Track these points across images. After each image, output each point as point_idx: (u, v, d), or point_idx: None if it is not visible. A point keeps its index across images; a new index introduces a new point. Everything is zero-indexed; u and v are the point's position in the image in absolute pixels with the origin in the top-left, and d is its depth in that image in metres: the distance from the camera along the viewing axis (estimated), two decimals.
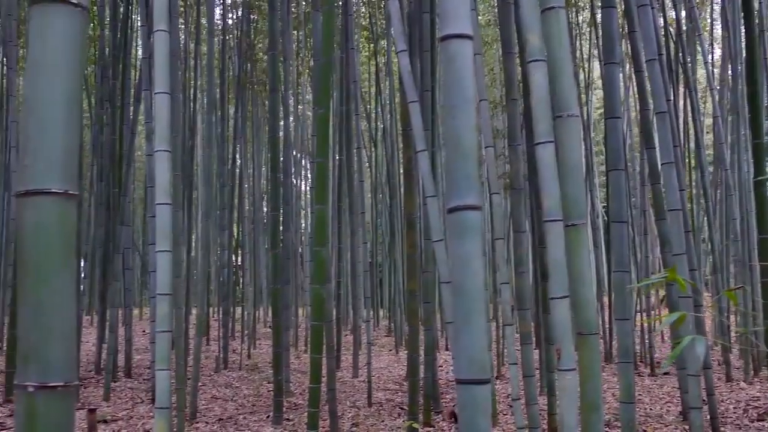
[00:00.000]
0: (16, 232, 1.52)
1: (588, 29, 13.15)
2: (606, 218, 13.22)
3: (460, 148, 1.56)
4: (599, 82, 19.10)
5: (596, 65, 16.96)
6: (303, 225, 18.15)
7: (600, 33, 10.54)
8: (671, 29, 9.56)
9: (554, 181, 2.34)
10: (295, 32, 13.46)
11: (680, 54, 8.93)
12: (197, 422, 6.53)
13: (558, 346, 2.31)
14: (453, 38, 1.60)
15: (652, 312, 11.80)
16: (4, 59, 11.32)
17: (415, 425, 5.73)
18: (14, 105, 8.49)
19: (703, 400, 5.38)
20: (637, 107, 9.86)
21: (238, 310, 15.18)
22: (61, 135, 1.38)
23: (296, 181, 14.71)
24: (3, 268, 12.26)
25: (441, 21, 1.63)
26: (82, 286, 13.32)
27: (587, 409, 2.30)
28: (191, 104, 12.24)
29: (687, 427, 5.62)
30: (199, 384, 7.37)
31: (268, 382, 8.48)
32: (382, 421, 6.55)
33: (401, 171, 10.55)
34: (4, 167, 12.52)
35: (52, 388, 1.31)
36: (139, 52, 10.98)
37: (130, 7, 9.49)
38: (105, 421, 6.42)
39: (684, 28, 9.81)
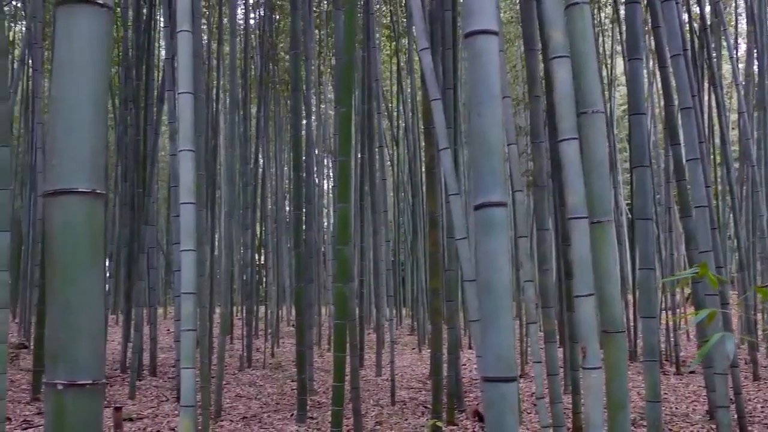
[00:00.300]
0: (44, 231, 1.54)
1: (610, 25, 13.06)
2: (630, 215, 13.12)
3: (486, 145, 1.55)
4: (622, 79, 18.97)
5: (619, 62, 16.81)
6: (325, 224, 18.19)
7: (623, 29, 10.46)
8: (696, 24, 9.46)
9: (579, 178, 2.32)
10: (317, 31, 13.48)
11: (705, 49, 8.84)
12: (222, 420, 6.56)
13: (583, 344, 2.29)
14: (478, 34, 1.59)
15: (678, 310, 11.68)
16: (30, 61, 11.45)
17: (439, 424, 5.72)
18: (40, 106, 8.59)
19: (730, 399, 5.32)
20: (661, 103, 9.75)
21: (262, 308, 15.24)
22: (88, 135, 1.39)
23: (318, 180, 14.74)
24: (30, 268, 12.41)
25: (466, 17, 1.62)
26: (107, 286, 13.45)
27: (613, 408, 2.28)
28: (214, 104, 12.32)
29: (714, 426, 5.57)
30: (224, 382, 7.41)
31: (292, 381, 8.51)
32: (406, 419, 6.54)
33: (423, 169, 10.54)
34: (29, 168, 12.69)
35: (80, 386, 1.32)
36: (162, 53, 11.06)
37: (153, 8, 9.55)
38: (131, 419, 6.47)
39: (709, 22, 9.71)
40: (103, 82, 1.44)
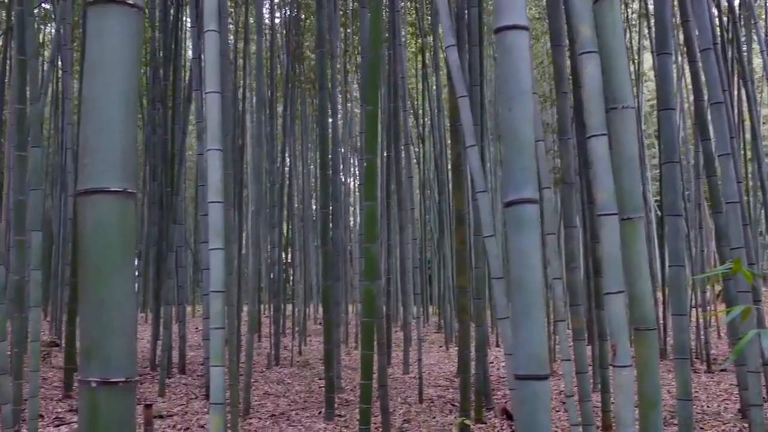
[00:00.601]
0: (77, 230, 1.55)
1: (637, 21, 12.93)
2: (659, 212, 12.99)
3: (517, 141, 1.54)
4: (650, 74, 18.78)
5: (646, 57, 16.65)
6: (351, 222, 18.21)
7: (651, 23, 10.34)
8: (725, 18, 9.34)
9: (608, 175, 2.30)
10: (342, 29, 13.50)
11: (735, 43, 8.72)
12: (250, 418, 6.60)
13: (613, 342, 2.27)
14: (508, 29, 1.58)
15: (708, 307, 11.55)
16: (59, 62, 11.58)
17: (467, 422, 5.71)
18: (69, 107, 8.68)
19: (763, 397, 5.25)
20: (690, 98, 9.62)
21: (289, 306, 15.30)
22: (119, 134, 1.40)
23: (344, 178, 14.76)
24: (60, 267, 12.57)
25: (496, 12, 1.61)
26: (136, 284, 13.59)
27: (645, 406, 2.25)
28: (240, 103, 12.38)
29: (746, 425, 5.50)
30: (252, 380, 7.45)
31: (320, 379, 8.53)
32: (434, 417, 6.54)
33: (449, 167, 10.51)
34: (60, 168, 12.85)
35: (113, 383, 1.33)
36: (189, 53, 11.13)
37: (180, 9, 9.62)
38: (161, 417, 6.53)
39: (739, 16, 9.58)
40: (134, 82, 1.45)
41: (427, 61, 13.72)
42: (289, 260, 16.66)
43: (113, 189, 1.38)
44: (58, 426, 6.22)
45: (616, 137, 2.32)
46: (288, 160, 13.10)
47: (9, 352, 5.49)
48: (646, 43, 14.66)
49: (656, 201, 15.71)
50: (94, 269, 1.36)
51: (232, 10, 12.83)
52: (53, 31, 12.51)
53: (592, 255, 6.22)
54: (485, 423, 6.25)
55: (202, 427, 6.22)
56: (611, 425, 5.93)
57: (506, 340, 4.32)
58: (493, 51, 15.75)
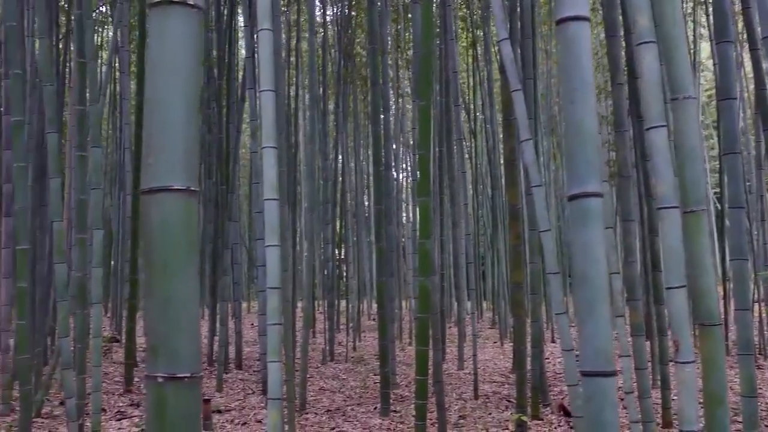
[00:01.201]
0: (140, 228, 1.58)
1: (692, 9, 12.65)
2: (718, 204, 12.69)
3: (581, 134, 1.52)
4: (707, 63, 18.35)
5: (703, 46, 16.26)
6: (404, 218, 18.22)
7: (709, 11, 10.10)
8: None
9: (668, 167, 2.25)
10: (394, 25, 13.50)
11: None
12: (306, 413, 6.65)
13: (675, 338, 2.22)
14: (570, 20, 1.55)
15: None
16: (117, 64, 11.83)
17: (524, 418, 5.66)
18: (127, 108, 8.86)
19: None
20: (750, 88, 9.36)
21: (342, 303, 15.39)
22: (181, 134, 1.42)
23: (396, 175, 14.76)
24: (120, 264, 12.84)
25: (556, 3, 1.59)
26: None
27: (711, 403, 2.20)
28: (293, 101, 12.48)
29: None
30: (307, 376, 7.51)
31: (374, 374, 8.56)
32: (489, 413, 6.51)
33: (502, 161, 10.43)
34: (118, 167, 13.13)
35: (179, 379, 1.35)
36: (243, 52, 11.25)
37: (233, 8, 9.74)
38: (219, 411, 6.63)
39: None
40: (195, 82, 1.47)
41: (478, 55, 13.64)
42: (343, 256, 16.74)
43: (177, 187, 1.40)
44: (120, 420, 6.37)
45: (678, 128, 2.27)
46: (340, 156, 13.16)
47: (72, 348, 5.63)
48: (703, 31, 14.33)
49: (715, 193, 15.35)
50: (160, 266, 1.38)
51: (285, 8, 12.93)
52: (110, 34, 12.79)
53: (651, 249, 6.11)
54: (542, 419, 6.20)
55: (259, 421, 6.30)
56: (672, 422, 5.83)
57: (563, 336, 4.27)
58: (545, 44, 15.59)
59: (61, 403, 6.39)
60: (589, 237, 1.52)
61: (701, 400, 2.25)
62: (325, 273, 12.02)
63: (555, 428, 5.97)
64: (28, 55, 7.25)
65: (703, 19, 13.16)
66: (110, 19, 13.39)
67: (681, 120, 2.26)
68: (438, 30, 8.47)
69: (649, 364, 6.98)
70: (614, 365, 1.54)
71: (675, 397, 5.99)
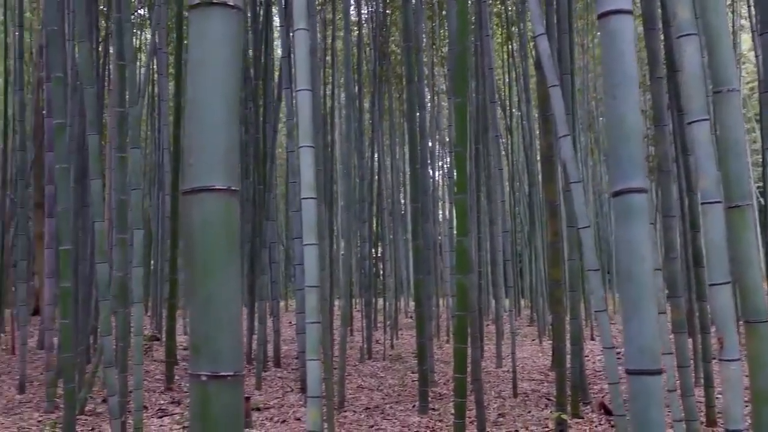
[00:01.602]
0: (181, 227, 1.60)
1: (732, 0, 12.44)
2: (761, 199, 12.44)
3: (624, 129, 1.50)
4: (749, 56, 18.03)
5: (744, 38, 15.97)
6: (440, 215, 18.18)
7: (752, 2, 9.91)
8: None
9: (710, 161, 2.22)
10: (429, 22, 13.47)
11: None
12: (345, 411, 6.67)
13: (720, 335, 2.19)
14: (613, 14, 1.54)
15: None
16: (155, 66, 11.97)
17: (564, 416, 5.61)
18: (165, 109, 8.96)
19: None
20: None
21: (380, 300, 15.42)
22: (222, 134, 1.43)
23: (432, 172, 14.74)
24: (160, 264, 13.01)
25: None
26: None
27: (759, 402, 2.16)
28: (329, 100, 12.52)
29: None
30: (345, 374, 7.53)
31: (412, 372, 8.55)
32: (529, 411, 6.46)
33: (538, 158, 10.34)
34: (157, 167, 13.29)
35: (222, 377, 1.37)
36: (279, 52, 11.31)
37: (269, 9, 9.80)
38: (258, 409, 6.68)
39: None
40: (235, 82, 1.48)
41: (514, 51, 13.56)
42: (379, 255, 16.76)
43: (218, 187, 1.41)
44: (161, 417, 6.45)
45: (721, 122, 2.23)
46: (376, 155, 13.17)
47: (114, 346, 5.71)
48: (743, 23, 14.08)
49: (758, 188, 15.07)
50: (202, 266, 1.39)
51: (320, 7, 12.98)
52: (149, 36, 12.95)
53: (693, 245, 6.02)
54: (582, 418, 6.14)
55: (298, 419, 6.33)
56: (716, 420, 5.73)
57: (603, 333, 4.22)
58: (581, 39, 15.43)
59: (104, 401, 6.49)
60: (633, 234, 1.50)
61: (747, 398, 2.21)
62: (362, 271, 12.04)
63: (596, 427, 5.91)
64: (69, 58, 7.38)
65: (744, 10, 12.93)
66: (148, 21, 13.55)
67: (724, 113, 2.22)
68: (473, 26, 8.42)
69: (692, 361, 6.88)
70: (660, 363, 1.52)
71: (719, 396, 5.89)
